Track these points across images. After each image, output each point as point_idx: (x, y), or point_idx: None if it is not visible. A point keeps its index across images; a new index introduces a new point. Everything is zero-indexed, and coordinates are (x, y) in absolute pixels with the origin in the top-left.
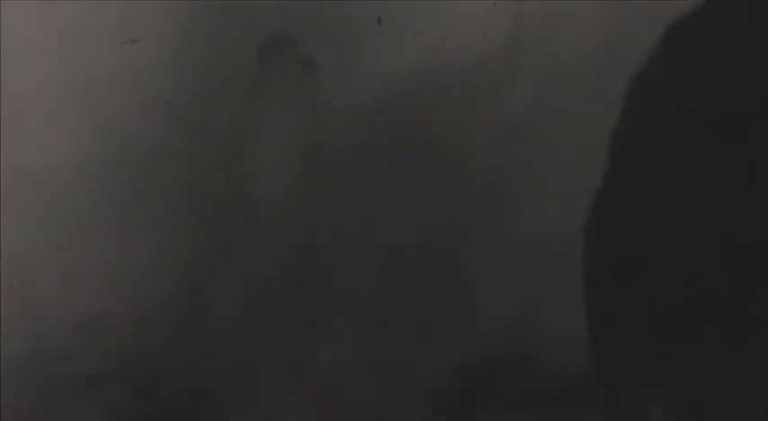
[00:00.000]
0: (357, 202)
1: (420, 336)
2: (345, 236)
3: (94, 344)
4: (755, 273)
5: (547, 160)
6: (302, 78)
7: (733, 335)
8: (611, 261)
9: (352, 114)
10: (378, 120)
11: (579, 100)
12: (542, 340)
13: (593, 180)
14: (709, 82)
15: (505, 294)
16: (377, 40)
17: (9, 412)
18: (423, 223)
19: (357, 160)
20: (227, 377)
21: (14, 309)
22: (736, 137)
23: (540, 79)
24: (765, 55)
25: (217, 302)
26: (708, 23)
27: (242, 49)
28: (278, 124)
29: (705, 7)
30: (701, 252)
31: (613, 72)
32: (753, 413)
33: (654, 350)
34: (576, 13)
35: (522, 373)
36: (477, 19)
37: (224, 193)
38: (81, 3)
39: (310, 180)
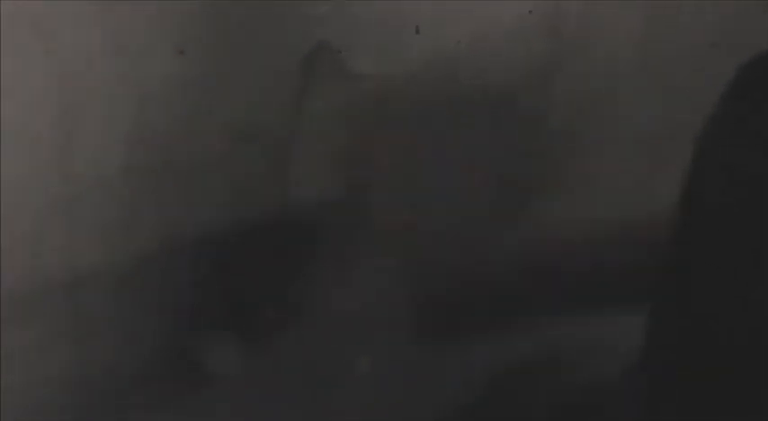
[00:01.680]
0: (398, 210)
1: (453, 333)
2: (384, 242)
3: (140, 354)
4: None
5: (588, 165)
6: (344, 87)
7: None
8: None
9: (394, 123)
10: (418, 128)
11: (620, 104)
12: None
13: (635, 188)
14: None
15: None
16: (416, 48)
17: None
18: (459, 230)
19: (399, 168)
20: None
21: (65, 320)
22: None
23: (579, 84)
24: None
25: (258, 310)
26: None
27: (285, 59)
28: (320, 132)
29: None
30: None
31: (655, 76)
32: None
33: None
34: (615, 16)
35: (552, 379)
36: (516, 25)
37: (266, 200)
38: (132, 13)
39: (352, 187)
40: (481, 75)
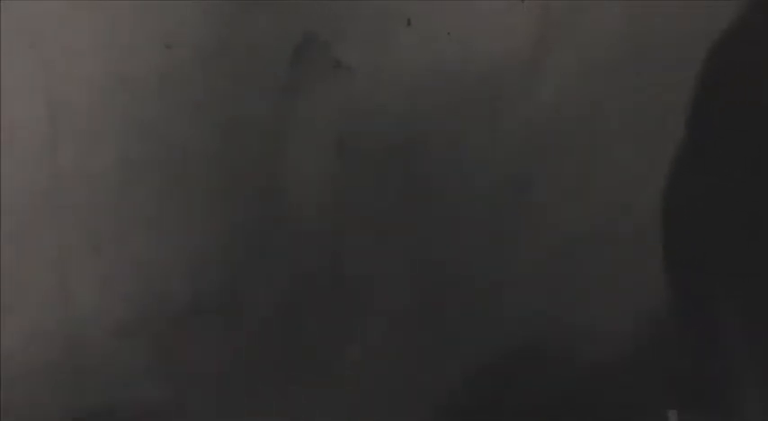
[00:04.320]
0: (389, 200)
1: (448, 331)
2: (377, 233)
3: (131, 346)
4: None
5: (576, 154)
6: (334, 79)
7: None
8: (691, 225)
9: (383, 114)
10: (408, 120)
11: (607, 94)
12: (572, 333)
13: (623, 172)
14: None
15: (534, 288)
16: (407, 40)
17: (44, 416)
18: (453, 217)
19: (388, 159)
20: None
21: (52, 312)
22: None
23: (567, 75)
24: None
25: (248, 302)
26: None
27: (274, 51)
28: (310, 125)
29: None
30: None
31: (642, 64)
32: None
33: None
34: (602, 7)
35: (550, 367)
36: (505, 17)
37: (258, 193)
38: (118, 8)
39: (343, 179)
40: (470, 66)
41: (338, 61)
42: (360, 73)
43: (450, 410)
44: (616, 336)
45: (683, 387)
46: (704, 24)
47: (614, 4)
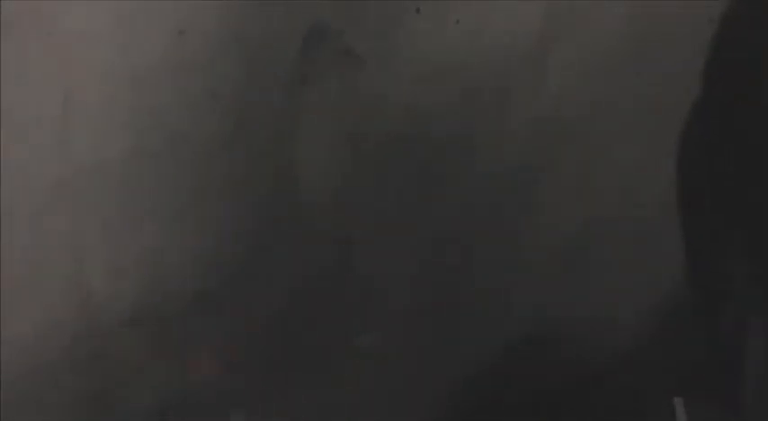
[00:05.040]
0: (399, 189)
1: (459, 322)
2: (387, 223)
3: (144, 334)
4: None
5: (582, 145)
6: (345, 68)
7: None
8: (706, 171)
9: (393, 103)
10: (417, 107)
11: (614, 85)
12: (579, 323)
13: (629, 164)
14: None
15: (537, 284)
16: (416, 28)
17: (63, 403)
18: (462, 208)
19: (398, 148)
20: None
21: (67, 302)
22: None
23: (575, 64)
24: None
25: (260, 291)
26: None
27: (285, 40)
28: (321, 113)
29: None
30: None
31: (648, 56)
32: None
33: (754, 264)
34: (605, 5)
35: (558, 356)
36: (513, 5)
37: (269, 182)
38: None
39: (354, 168)
40: (478, 54)
41: (349, 50)
42: (370, 61)
43: (453, 407)
44: (618, 332)
45: (687, 377)
46: (705, 24)
47: (617, 3)
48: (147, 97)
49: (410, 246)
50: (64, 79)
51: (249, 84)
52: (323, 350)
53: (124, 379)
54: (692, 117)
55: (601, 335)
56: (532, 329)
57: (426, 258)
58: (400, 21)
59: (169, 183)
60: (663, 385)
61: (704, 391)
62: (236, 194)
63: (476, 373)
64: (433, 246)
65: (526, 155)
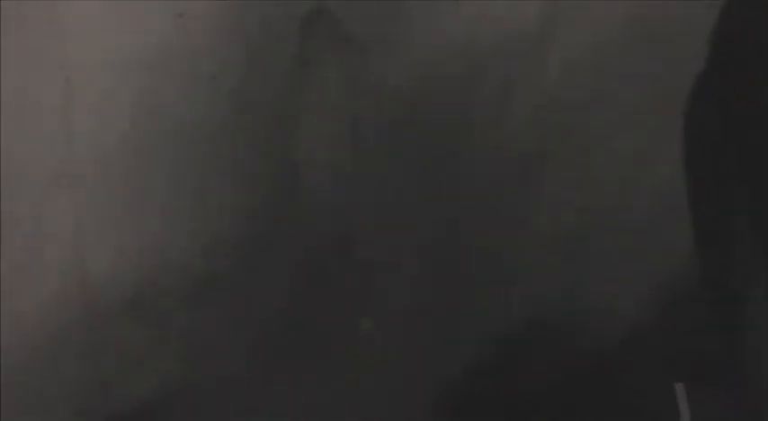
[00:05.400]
0: (399, 174)
1: (461, 309)
2: (387, 208)
3: (146, 321)
4: None
5: (583, 131)
6: (344, 53)
7: None
8: (711, 142)
9: (393, 87)
10: (418, 93)
11: (615, 73)
12: (579, 313)
13: (628, 148)
14: None
15: (546, 267)
16: (415, 13)
17: (64, 387)
18: (460, 194)
19: (398, 133)
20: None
21: (68, 288)
22: None
23: (576, 52)
24: None
25: (260, 280)
26: None
27: (285, 25)
28: (321, 98)
29: None
30: None
31: (650, 40)
32: None
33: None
34: None
35: (558, 347)
36: None
37: (270, 166)
38: None
39: (353, 153)
40: (479, 39)
41: (348, 35)
42: (370, 47)
43: (453, 400)
44: (618, 322)
45: (688, 367)
46: (707, 11)
47: None
48: (146, 82)
49: (410, 233)
50: (64, 66)
51: (249, 68)
52: (323, 346)
53: (124, 364)
54: (698, 85)
55: (600, 325)
56: (531, 320)
57: (426, 247)
58: (400, 6)
59: (170, 168)
60: (663, 375)
61: (706, 380)
62: (238, 178)
63: (474, 366)
64: (433, 233)
65: (526, 143)
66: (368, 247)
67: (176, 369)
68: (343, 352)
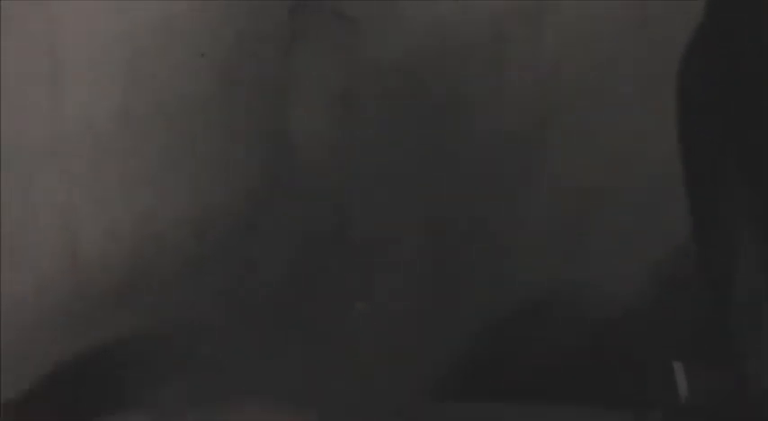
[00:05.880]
0: (392, 151)
1: (459, 288)
2: (381, 185)
3: (138, 299)
4: None
5: (579, 108)
6: (336, 30)
7: None
8: (706, 100)
9: (387, 65)
10: (412, 70)
11: (614, 48)
12: (581, 290)
13: (626, 126)
14: None
15: (545, 245)
16: None
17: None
18: (458, 172)
19: (392, 110)
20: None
21: (60, 266)
22: None
23: (573, 25)
24: None
25: (254, 258)
26: None
27: (277, 1)
28: (313, 75)
29: None
30: None
31: (648, 18)
32: None
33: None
34: None
35: (556, 324)
36: None
37: (261, 144)
38: None
39: (345, 130)
40: (473, 15)
41: (341, 11)
42: (362, 23)
43: (457, 367)
44: (621, 292)
45: (687, 344)
46: None
47: None
48: (136, 56)
49: (408, 211)
50: (52, 39)
51: (239, 44)
52: (322, 315)
53: (117, 343)
54: (694, 40)
55: (600, 301)
56: (531, 296)
57: (424, 221)
58: None
59: (161, 143)
60: (662, 352)
61: (704, 357)
62: (230, 154)
63: (475, 340)
64: (431, 207)
65: (524, 117)
66: (364, 224)
67: (168, 349)
68: (339, 332)
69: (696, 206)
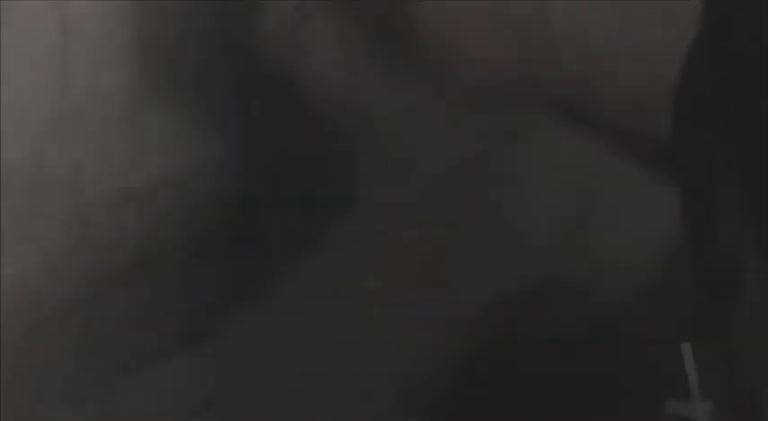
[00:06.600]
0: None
1: (467, 265)
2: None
3: (146, 269)
4: None
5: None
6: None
7: None
8: (702, 108)
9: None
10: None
11: (616, 30)
12: (587, 268)
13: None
14: None
15: (550, 221)
16: None
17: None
18: (462, 145)
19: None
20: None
21: (67, 236)
22: None
23: (578, 7)
24: None
25: (259, 229)
26: None
27: None
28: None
29: None
30: None
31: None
32: None
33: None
34: None
35: (563, 308)
36: None
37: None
38: None
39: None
40: None
41: None
42: None
43: (465, 345)
44: (631, 272)
45: (696, 322)
46: None
47: None
48: (146, 30)
49: (414, 179)
50: (62, 11)
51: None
52: (328, 286)
53: (127, 322)
54: (693, 42)
55: (607, 285)
56: (536, 276)
57: (429, 194)
58: None
59: (171, 115)
60: (671, 333)
61: (712, 341)
62: (238, 128)
63: (487, 313)
64: (436, 182)
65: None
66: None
67: (181, 324)
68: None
69: (691, 208)
